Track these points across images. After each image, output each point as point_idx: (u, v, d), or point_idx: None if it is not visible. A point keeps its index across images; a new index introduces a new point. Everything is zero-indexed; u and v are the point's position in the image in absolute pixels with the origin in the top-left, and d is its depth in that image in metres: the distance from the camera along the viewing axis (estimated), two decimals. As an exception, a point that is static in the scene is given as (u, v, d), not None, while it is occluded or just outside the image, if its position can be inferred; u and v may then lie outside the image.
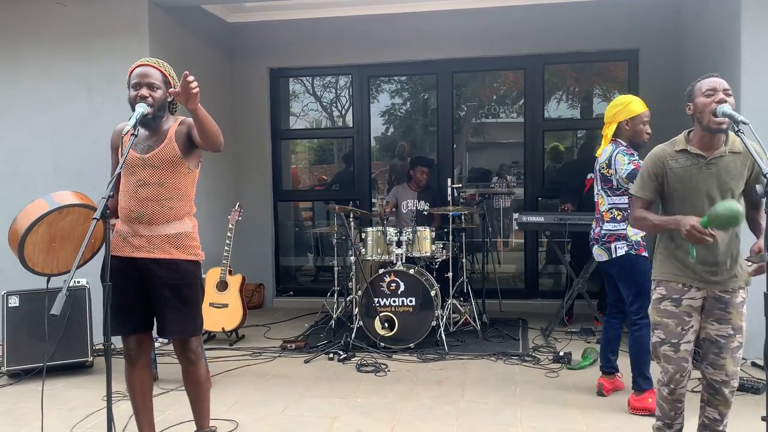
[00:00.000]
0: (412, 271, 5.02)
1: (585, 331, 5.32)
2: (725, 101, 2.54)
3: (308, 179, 7.80)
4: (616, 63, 6.61)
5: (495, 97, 7.27)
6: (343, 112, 7.39)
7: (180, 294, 2.87)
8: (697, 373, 2.89)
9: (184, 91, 2.58)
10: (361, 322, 5.05)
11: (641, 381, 3.63)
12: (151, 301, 2.90)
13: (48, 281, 2.79)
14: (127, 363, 2.95)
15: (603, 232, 3.68)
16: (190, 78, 2.57)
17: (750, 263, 2.58)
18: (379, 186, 7.26)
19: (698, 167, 2.63)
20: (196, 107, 2.63)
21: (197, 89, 2.59)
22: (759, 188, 2.32)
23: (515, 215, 5.53)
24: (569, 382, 4.21)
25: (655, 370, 3.03)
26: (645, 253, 3.60)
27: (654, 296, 2.78)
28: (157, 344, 4.86)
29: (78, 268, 2.26)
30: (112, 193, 2.42)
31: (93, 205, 2.77)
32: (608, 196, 3.68)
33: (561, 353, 4.61)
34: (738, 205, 2.35)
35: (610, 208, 3.66)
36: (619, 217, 3.63)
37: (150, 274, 2.85)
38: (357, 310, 5.14)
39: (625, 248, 3.60)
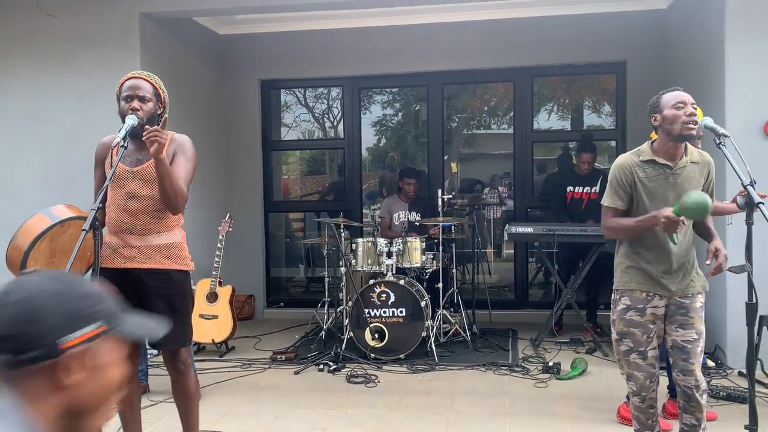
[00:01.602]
0: (402, 282, 5.03)
1: (574, 342, 5.34)
2: (695, 114, 2.64)
3: (300, 190, 7.81)
4: (605, 75, 6.69)
5: (486, 108, 7.33)
6: (335, 123, 7.42)
7: (171, 304, 2.88)
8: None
9: (147, 137, 2.61)
10: (351, 333, 5.05)
11: None
12: (143, 312, 2.90)
13: None
14: (115, 375, 2.92)
15: None
16: (154, 129, 2.62)
17: (707, 263, 2.64)
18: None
19: (665, 177, 2.71)
20: (157, 156, 2.65)
21: (157, 137, 2.60)
22: (740, 200, 2.37)
23: (506, 226, 5.54)
24: (558, 393, 4.23)
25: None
26: None
27: (619, 307, 2.83)
28: (152, 352, 4.83)
29: None
30: (100, 205, 2.43)
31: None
32: None
33: (550, 364, 4.63)
34: (706, 197, 2.45)
35: None
36: None
37: (142, 285, 2.85)
38: (347, 321, 5.14)
39: None
